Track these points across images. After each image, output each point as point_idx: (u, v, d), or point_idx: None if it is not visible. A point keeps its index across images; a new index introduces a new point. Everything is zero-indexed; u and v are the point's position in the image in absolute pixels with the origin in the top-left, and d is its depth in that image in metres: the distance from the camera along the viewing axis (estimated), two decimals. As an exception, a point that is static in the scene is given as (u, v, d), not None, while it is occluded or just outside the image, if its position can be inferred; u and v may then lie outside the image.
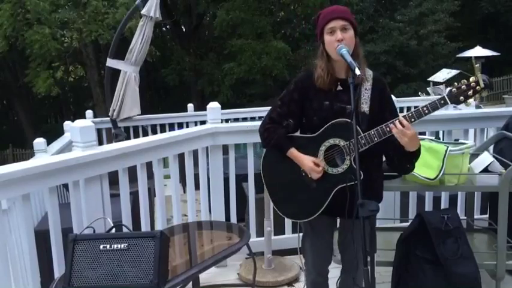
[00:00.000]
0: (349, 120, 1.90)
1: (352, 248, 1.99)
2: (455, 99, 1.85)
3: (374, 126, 1.92)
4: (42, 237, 2.48)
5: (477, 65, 1.85)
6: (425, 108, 1.87)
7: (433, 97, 1.95)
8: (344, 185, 1.94)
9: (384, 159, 2.10)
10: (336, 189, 1.98)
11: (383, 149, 1.99)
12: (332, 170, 2.00)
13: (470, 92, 1.84)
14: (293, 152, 2.05)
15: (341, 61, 1.93)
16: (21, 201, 2.21)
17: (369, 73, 2.04)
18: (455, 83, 1.89)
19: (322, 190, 2.02)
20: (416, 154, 1.96)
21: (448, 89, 1.90)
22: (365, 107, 1.97)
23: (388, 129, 1.89)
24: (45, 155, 3.56)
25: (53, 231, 2.38)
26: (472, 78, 1.85)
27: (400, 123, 1.85)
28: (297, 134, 2.14)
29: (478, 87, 1.83)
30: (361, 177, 1.74)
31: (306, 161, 2.01)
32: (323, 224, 2.14)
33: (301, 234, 2.31)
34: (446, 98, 1.86)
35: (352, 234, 1.93)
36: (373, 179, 2.03)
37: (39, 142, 3.65)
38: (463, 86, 1.84)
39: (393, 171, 2.20)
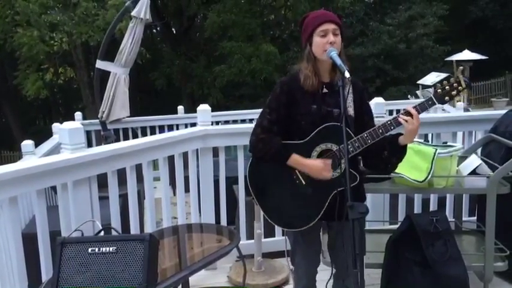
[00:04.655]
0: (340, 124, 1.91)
1: (342, 251, 1.98)
2: (440, 99, 1.98)
3: (358, 128, 1.95)
4: (29, 241, 2.44)
5: (461, 67, 2.04)
6: (414, 110, 1.92)
7: (423, 100, 2.02)
8: (342, 188, 1.90)
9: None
10: (334, 193, 1.96)
11: (374, 149, 1.98)
12: None
13: (454, 92, 1.99)
14: (296, 159, 1.97)
15: (325, 64, 1.96)
16: (8, 204, 2.18)
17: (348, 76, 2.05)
18: (439, 84, 2.05)
19: (319, 195, 1.99)
20: (405, 150, 2.00)
21: (434, 89, 2.03)
22: (351, 110, 1.98)
23: (380, 131, 1.91)
24: (33, 157, 3.53)
25: (40, 234, 2.36)
26: (452, 79, 2.00)
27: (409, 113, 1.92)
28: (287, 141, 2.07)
29: (460, 87, 1.98)
30: (358, 181, 1.77)
31: (316, 162, 1.95)
32: (313, 230, 2.11)
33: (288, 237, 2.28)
34: (434, 99, 1.98)
35: (342, 237, 1.94)
36: (362, 179, 2.04)
37: (27, 144, 3.61)
38: (447, 87, 1.98)
39: (376, 169, 2.17)
